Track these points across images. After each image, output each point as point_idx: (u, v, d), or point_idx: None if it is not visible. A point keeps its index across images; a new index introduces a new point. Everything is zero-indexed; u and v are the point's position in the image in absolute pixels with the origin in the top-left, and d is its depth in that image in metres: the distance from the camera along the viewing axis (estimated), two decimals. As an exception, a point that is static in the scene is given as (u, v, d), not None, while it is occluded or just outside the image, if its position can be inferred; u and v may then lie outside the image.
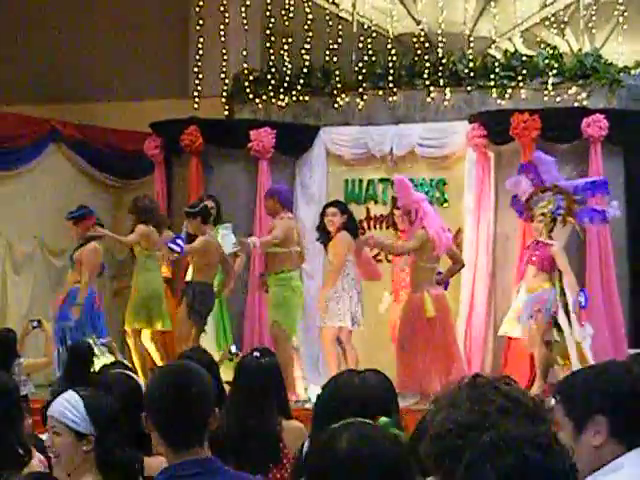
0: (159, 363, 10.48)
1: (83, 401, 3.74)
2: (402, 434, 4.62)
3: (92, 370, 7.21)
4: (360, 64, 12.74)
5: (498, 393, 2.12)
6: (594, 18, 13.60)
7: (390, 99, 12.44)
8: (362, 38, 13.17)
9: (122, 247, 11.92)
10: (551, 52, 12.35)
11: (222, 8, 13.31)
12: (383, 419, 4.78)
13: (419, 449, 2.18)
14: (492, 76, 12.09)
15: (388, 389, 3.67)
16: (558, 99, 11.90)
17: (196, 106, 13.14)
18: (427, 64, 12.39)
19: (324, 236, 10.39)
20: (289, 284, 10.16)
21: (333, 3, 13.56)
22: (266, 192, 10.94)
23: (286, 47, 13.21)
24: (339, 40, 13.20)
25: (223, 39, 13.28)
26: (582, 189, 10.10)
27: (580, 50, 12.84)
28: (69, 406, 3.75)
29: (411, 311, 10.03)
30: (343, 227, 10.26)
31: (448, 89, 12.22)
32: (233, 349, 10.05)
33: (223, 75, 13.22)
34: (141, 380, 5.02)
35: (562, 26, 14.40)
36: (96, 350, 8.48)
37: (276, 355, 5.68)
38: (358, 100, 12.53)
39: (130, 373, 5.03)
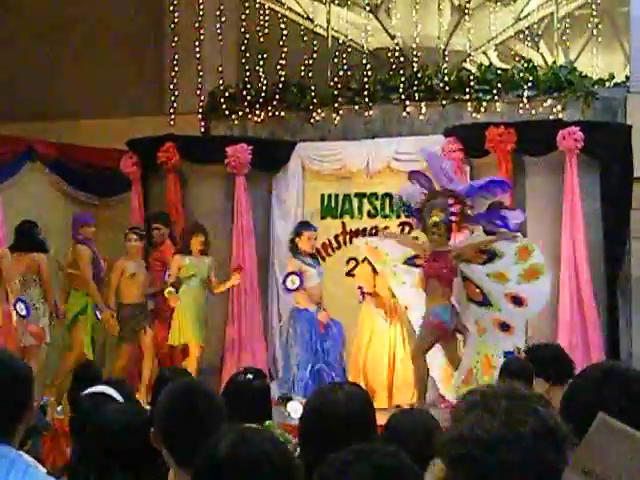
0: None
1: None
2: (290, 437, 4.62)
3: None
4: (335, 79, 12.78)
5: (536, 416, 2.10)
6: (568, 31, 13.69)
7: (366, 114, 12.47)
8: (337, 53, 13.21)
9: None
10: (526, 65, 12.39)
11: (197, 25, 13.34)
12: (268, 422, 4.79)
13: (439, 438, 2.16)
14: (467, 90, 12.13)
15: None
16: (533, 112, 11.94)
17: (172, 123, 13.14)
18: (402, 78, 12.43)
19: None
20: None
21: (308, 19, 13.61)
22: None
23: (261, 63, 13.25)
24: (314, 55, 13.22)
25: (198, 56, 13.30)
26: (478, 189, 9.61)
27: (555, 63, 12.88)
28: None
29: None
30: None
31: (424, 103, 12.26)
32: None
33: (199, 92, 13.23)
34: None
35: (536, 39, 14.49)
36: None
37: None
38: (334, 115, 12.55)
39: None
